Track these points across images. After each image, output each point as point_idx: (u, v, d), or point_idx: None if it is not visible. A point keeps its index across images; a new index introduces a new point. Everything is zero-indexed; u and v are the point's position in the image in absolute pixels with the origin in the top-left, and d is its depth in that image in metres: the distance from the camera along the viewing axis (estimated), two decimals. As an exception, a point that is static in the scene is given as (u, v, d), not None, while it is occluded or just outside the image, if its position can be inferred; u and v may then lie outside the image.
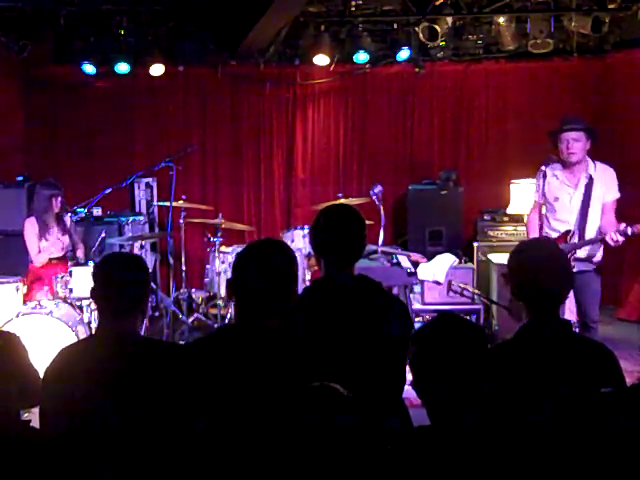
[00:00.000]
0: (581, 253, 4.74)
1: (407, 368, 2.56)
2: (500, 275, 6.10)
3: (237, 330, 2.13)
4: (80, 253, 5.94)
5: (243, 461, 1.95)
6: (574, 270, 4.37)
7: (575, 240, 4.76)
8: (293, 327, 2.51)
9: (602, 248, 4.78)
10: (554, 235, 4.87)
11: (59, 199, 5.73)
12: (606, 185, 4.77)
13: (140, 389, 2.29)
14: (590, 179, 4.76)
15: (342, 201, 6.59)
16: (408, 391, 2.50)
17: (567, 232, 4.81)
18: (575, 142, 4.70)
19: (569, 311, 4.69)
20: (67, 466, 2.16)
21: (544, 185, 4.94)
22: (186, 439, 2.05)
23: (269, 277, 2.13)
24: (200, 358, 2.14)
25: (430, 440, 1.93)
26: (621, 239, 4.52)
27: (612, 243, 4.56)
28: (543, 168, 4.95)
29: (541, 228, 5.04)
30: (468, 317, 6.02)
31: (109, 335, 2.47)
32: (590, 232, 4.77)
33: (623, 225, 4.56)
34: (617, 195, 4.82)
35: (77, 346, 2.70)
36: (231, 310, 6.50)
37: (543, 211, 5.08)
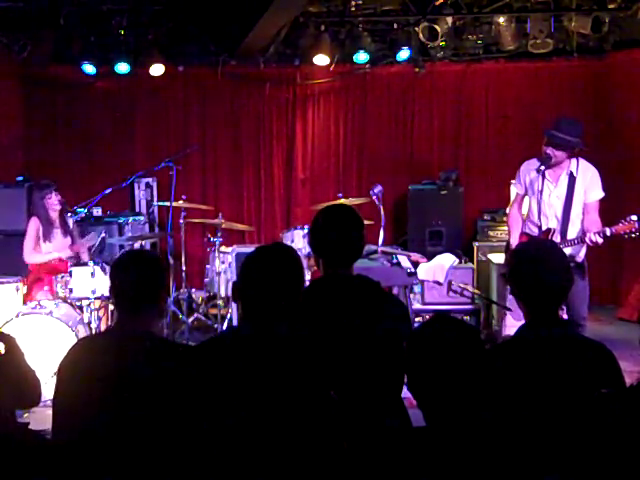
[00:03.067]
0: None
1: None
2: (500, 275, 6.10)
3: (246, 335, 2.12)
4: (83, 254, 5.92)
5: (250, 463, 1.94)
6: None
7: (557, 238, 4.75)
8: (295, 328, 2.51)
9: (584, 248, 4.77)
10: (535, 230, 4.87)
11: (52, 195, 5.65)
12: (588, 184, 4.72)
13: (150, 388, 2.27)
14: (571, 176, 4.74)
15: (342, 201, 6.58)
16: (407, 391, 2.50)
17: (548, 230, 4.79)
18: (557, 150, 4.68)
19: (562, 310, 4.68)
20: (69, 468, 2.16)
21: (526, 180, 4.93)
22: (195, 440, 2.04)
23: (277, 283, 2.13)
24: (211, 362, 2.13)
25: (426, 441, 1.93)
26: (600, 240, 4.51)
27: (590, 244, 4.55)
28: (526, 163, 4.95)
29: (524, 223, 5.03)
30: (468, 317, 6.02)
31: (123, 332, 2.46)
32: (572, 231, 4.74)
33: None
34: (601, 195, 4.75)
35: (92, 341, 2.69)
36: (231, 310, 6.50)
37: (524, 207, 5.08)
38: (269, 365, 2.02)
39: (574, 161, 4.77)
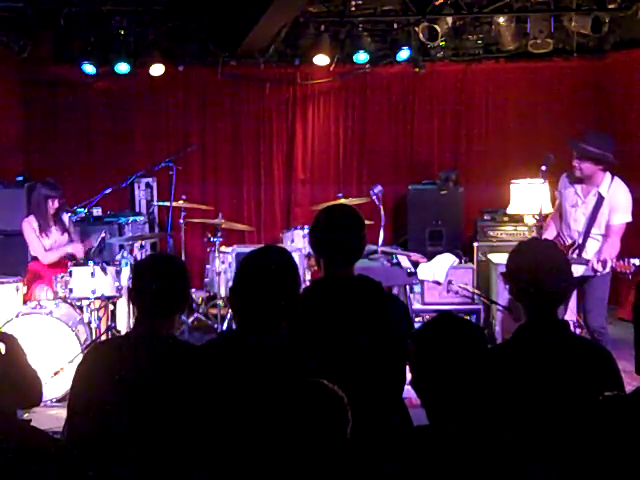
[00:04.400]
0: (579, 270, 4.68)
1: (407, 367, 2.56)
2: (499, 274, 6.10)
3: (243, 338, 2.12)
4: (80, 245, 5.93)
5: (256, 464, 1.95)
6: (577, 275, 4.39)
7: (575, 254, 4.74)
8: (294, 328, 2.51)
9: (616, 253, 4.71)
10: (567, 240, 4.88)
11: (56, 201, 5.67)
12: (615, 206, 4.67)
13: (170, 392, 2.27)
14: (600, 196, 4.69)
15: (342, 201, 6.58)
16: (408, 391, 2.49)
17: (572, 244, 4.80)
18: (581, 162, 4.66)
19: (570, 311, 4.69)
20: (70, 467, 2.16)
21: (561, 189, 4.94)
22: (212, 442, 2.04)
23: (272, 286, 2.13)
24: (214, 363, 2.13)
25: (428, 440, 1.93)
26: (601, 269, 4.50)
27: (592, 270, 4.55)
28: (564, 175, 4.93)
29: (557, 233, 5.03)
30: (468, 317, 6.01)
31: (143, 336, 2.45)
32: (590, 251, 4.73)
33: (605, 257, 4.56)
34: (626, 219, 4.68)
35: (110, 345, 2.68)
36: (231, 310, 6.50)
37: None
38: (269, 367, 2.03)
39: (607, 179, 4.71)
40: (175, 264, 2.58)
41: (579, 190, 4.80)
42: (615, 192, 4.70)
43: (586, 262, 4.63)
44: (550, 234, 5.04)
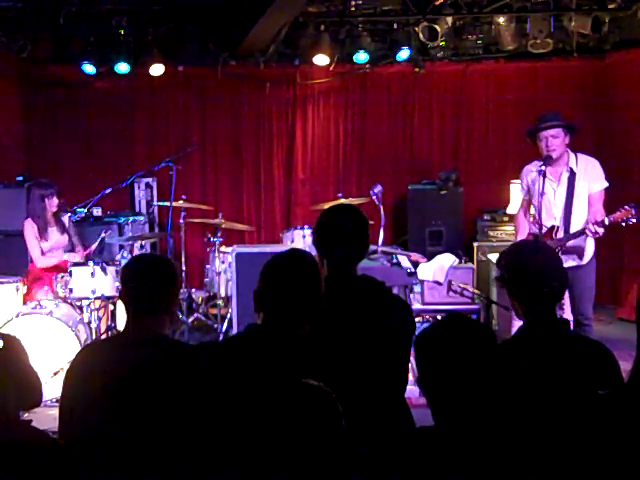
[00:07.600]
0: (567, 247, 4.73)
1: (409, 367, 2.56)
2: (494, 278, 6.10)
3: (269, 337, 2.13)
4: (79, 253, 5.93)
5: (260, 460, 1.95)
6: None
7: (561, 235, 4.76)
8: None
9: (593, 242, 4.76)
10: (543, 230, 4.88)
11: (53, 198, 5.69)
12: (590, 177, 4.74)
13: (160, 390, 2.27)
14: (572, 172, 4.75)
15: (342, 201, 6.59)
16: (409, 391, 2.50)
17: (552, 228, 4.81)
18: (554, 139, 4.71)
19: (569, 310, 4.69)
20: (71, 467, 2.16)
21: (528, 182, 4.95)
22: (208, 440, 2.04)
23: (301, 289, 2.16)
24: (230, 361, 2.14)
25: (433, 440, 1.93)
26: (600, 230, 4.52)
27: (591, 235, 4.58)
28: (526, 167, 4.97)
29: (530, 225, 5.05)
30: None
31: (133, 335, 2.46)
32: (575, 226, 4.75)
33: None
34: (604, 185, 4.76)
35: (102, 344, 2.69)
36: (231, 310, 6.50)
37: (531, 209, 5.09)
38: (292, 367, 2.04)
39: (573, 157, 4.79)
40: (159, 263, 2.60)
41: (550, 175, 4.82)
42: (586, 164, 4.78)
43: (580, 233, 4.64)
44: (523, 232, 5.04)
